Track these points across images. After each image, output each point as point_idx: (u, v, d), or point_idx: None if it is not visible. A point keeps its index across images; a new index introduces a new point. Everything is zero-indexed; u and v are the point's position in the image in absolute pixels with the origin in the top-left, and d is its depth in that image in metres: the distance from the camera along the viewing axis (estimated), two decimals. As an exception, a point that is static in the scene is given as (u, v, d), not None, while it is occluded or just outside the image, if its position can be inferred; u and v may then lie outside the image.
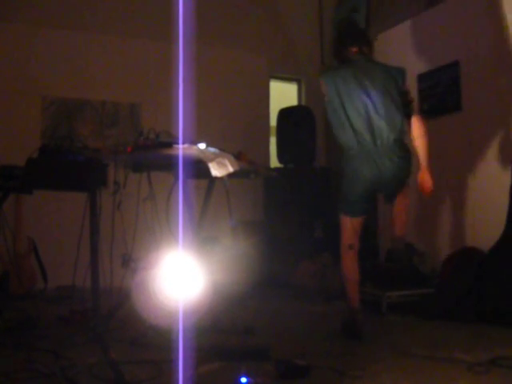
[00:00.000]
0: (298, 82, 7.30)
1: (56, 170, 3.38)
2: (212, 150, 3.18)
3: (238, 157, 3.34)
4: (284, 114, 6.17)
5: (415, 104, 3.66)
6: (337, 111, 3.45)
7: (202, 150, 3.13)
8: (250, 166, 3.60)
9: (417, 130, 3.47)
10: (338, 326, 3.50)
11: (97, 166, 3.46)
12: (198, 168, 3.15)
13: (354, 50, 3.55)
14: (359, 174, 3.43)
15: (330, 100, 3.48)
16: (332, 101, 3.47)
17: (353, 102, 3.41)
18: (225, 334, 3.36)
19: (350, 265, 3.51)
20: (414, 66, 5.33)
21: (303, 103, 7.17)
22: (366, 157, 3.40)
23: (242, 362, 2.60)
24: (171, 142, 3.12)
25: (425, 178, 3.52)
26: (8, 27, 5.64)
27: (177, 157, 3.02)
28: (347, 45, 3.59)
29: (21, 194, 4.75)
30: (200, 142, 3.14)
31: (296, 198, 5.73)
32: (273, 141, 6.51)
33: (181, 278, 3.00)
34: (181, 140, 3.08)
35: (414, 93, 5.31)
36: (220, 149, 3.23)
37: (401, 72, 3.51)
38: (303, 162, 5.90)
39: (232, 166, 3.15)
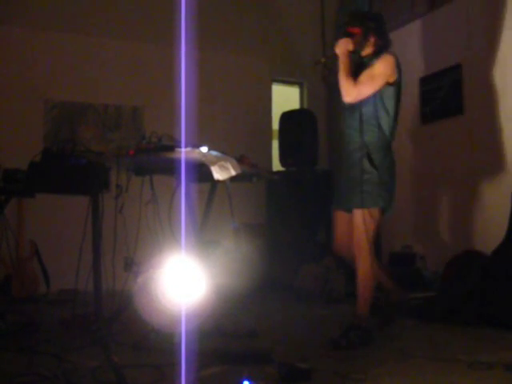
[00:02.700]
0: (301, 85, 7.30)
1: (58, 174, 3.38)
2: (214, 153, 3.19)
3: (240, 160, 3.35)
4: (286, 117, 6.17)
5: None
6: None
7: (204, 154, 3.13)
8: (252, 170, 3.61)
9: None
10: (340, 329, 3.49)
11: (99, 169, 3.47)
12: (201, 171, 3.15)
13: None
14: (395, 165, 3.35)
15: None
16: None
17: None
18: (227, 338, 3.35)
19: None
20: (417, 69, 5.34)
21: (305, 107, 7.17)
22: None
23: (245, 366, 2.59)
24: (173, 146, 3.13)
25: None
26: (10, 31, 5.65)
27: (179, 160, 3.03)
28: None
29: (23, 198, 4.75)
30: (202, 146, 3.15)
31: (298, 202, 5.73)
32: (275, 144, 6.51)
33: (183, 281, 3.00)
34: (183, 143, 3.08)
35: (416, 96, 5.34)
36: (222, 152, 3.23)
37: None
38: (305, 165, 5.89)
39: (234, 169, 3.16)
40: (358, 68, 3.31)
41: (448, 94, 4.97)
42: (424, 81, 5.25)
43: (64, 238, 5.19)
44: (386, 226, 5.73)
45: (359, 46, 3.34)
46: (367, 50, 3.36)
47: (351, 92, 3.22)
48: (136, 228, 3.61)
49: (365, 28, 3.34)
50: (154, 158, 3.23)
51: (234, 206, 3.54)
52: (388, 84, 3.24)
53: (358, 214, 3.25)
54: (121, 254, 3.62)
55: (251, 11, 6.75)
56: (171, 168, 3.18)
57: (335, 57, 3.34)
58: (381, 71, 3.21)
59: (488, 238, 4.30)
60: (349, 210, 3.36)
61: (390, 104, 3.27)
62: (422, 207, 5.25)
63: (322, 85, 7.19)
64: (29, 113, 5.68)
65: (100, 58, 5.96)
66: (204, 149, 3.14)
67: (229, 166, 3.14)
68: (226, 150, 3.30)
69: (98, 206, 3.50)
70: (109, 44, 6.01)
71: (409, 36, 5.50)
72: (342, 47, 3.30)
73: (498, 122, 4.49)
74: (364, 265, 3.27)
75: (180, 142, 3.10)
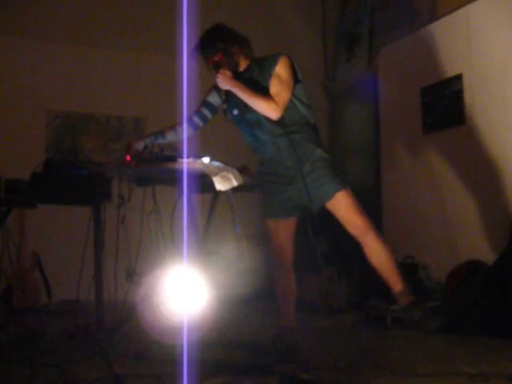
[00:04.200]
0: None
1: (60, 184, 3.40)
2: (216, 163, 3.19)
3: (242, 170, 3.35)
4: (288, 127, 6.17)
5: None
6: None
7: (206, 164, 3.14)
8: (254, 180, 3.61)
9: None
10: (342, 340, 3.49)
11: (101, 179, 3.48)
12: (203, 182, 3.16)
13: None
14: None
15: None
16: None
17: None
18: (229, 349, 3.34)
19: None
20: (418, 80, 5.35)
21: (307, 117, 7.18)
22: None
23: (247, 377, 2.58)
24: (175, 156, 3.13)
25: None
26: (13, 41, 5.68)
27: (181, 171, 3.03)
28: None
29: (25, 208, 4.76)
30: (204, 156, 3.15)
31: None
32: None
33: (185, 292, 2.99)
34: (185, 154, 3.09)
35: (417, 106, 5.34)
36: (224, 162, 3.24)
37: None
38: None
39: (236, 179, 3.16)
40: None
41: (449, 105, 4.98)
42: (425, 91, 5.25)
43: (66, 249, 5.19)
44: (388, 236, 5.73)
45: (234, 66, 3.28)
46: (242, 64, 3.34)
47: (274, 106, 3.11)
48: (138, 238, 3.61)
49: (221, 50, 3.26)
50: (155, 169, 3.23)
51: (236, 217, 3.54)
52: (296, 82, 3.26)
53: (345, 196, 3.20)
54: (123, 264, 3.62)
55: (253, 22, 6.77)
56: (173, 178, 3.18)
57: (227, 93, 3.26)
58: (288, 74, 3.19)
59: (490, 248, 4.29)
60: (292, 214, 3.37)
61: (305, 98, 3.32)
62: (424, 217, 5.24)
63: (323, 94, 7.22)
64: (31, 123, 5.70)
65: (102, 69, 5.98)
66: (206, 159, 3.15)
67: (231, 176, 3.14)
68: (228, 160, 3.30)
69: (100, 216, 3.51)
70: (111, 55, 6.04)
71: (410, 47, 5.51)
72: (225, 79, 3.16)
73: (500, 131, 4.49)
74: (380, 238, 3.18)
75: (182, 152, 3.11)
